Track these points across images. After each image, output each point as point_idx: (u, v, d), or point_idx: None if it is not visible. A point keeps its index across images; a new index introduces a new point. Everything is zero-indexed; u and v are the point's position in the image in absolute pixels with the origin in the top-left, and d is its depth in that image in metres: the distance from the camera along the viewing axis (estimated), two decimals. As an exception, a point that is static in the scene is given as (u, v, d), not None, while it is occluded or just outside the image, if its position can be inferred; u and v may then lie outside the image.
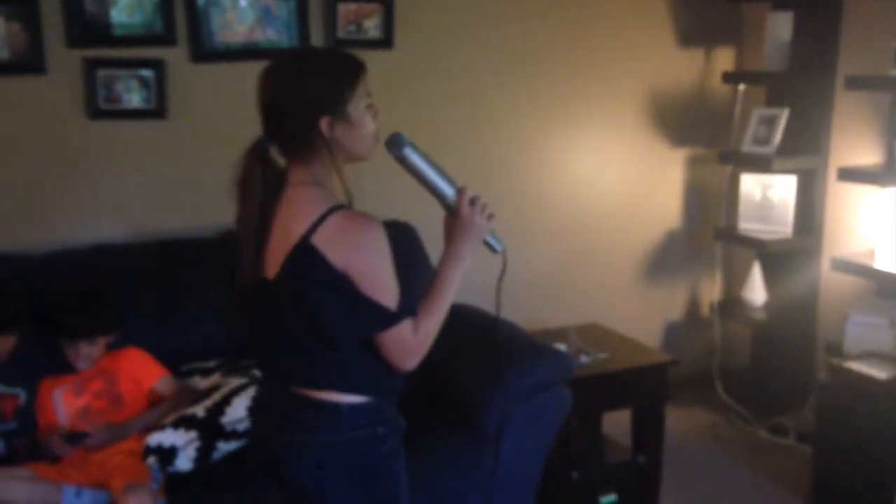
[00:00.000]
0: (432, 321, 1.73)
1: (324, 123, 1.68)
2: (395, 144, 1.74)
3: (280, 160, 1.75)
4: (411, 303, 1.72)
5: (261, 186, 1.71)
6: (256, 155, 1.72)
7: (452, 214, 1.80)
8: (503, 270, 1.85)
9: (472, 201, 1.78)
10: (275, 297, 1.71)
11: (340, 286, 1.65)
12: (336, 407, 1.72)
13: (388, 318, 1.67)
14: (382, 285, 1.67)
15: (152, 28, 3.06)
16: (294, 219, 1.67)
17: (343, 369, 1.73)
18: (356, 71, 1.72)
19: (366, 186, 2.78)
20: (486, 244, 1.84)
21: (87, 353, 2.66)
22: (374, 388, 1.76)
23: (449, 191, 1.78)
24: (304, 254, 1.64)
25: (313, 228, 1.64)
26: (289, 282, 1.67)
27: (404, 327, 1.69)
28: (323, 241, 1.64)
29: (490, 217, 1.80)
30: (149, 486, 2.34)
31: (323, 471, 1.74)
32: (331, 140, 1.69)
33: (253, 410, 1.93)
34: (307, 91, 1.68)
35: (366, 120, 1.73)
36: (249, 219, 1.72)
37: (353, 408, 1.73)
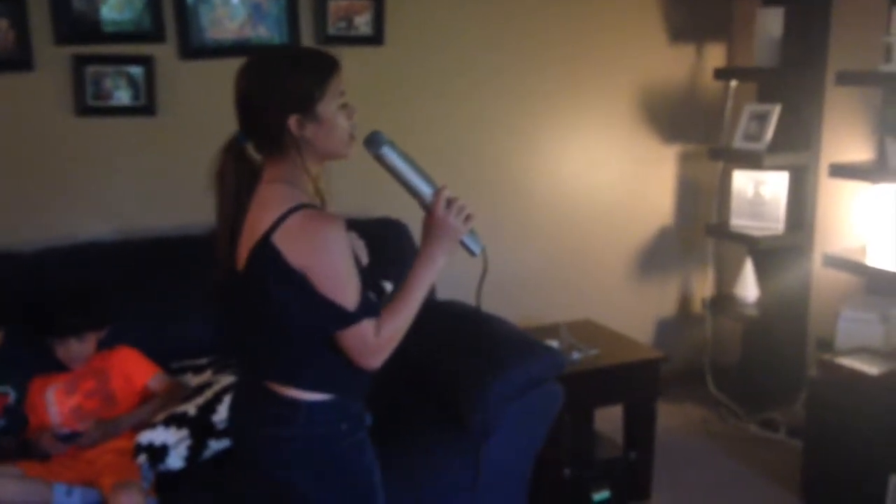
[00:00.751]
0: (396, 322, 1.73)
1: (292, 122, 1.68)
2: (372, 143, 1.73)
3: (256, 156, 1.77)
4: (369, 303, 1.71)
5: (234, 182, 1.74)
6: (231, 151, 1.75)
7: (429, 215, 1.79)
8: (483, 272, 1.83)
9: (449, 202, 1.76)
10: (242, 290, 1.73)
11: (298, 285, 1.66)
12: (296, 403, 1.74)
13: (346, 318, 1.67)
14: (340, 285, 1.66)
15: (141, 25, 3.04)
16: (261, 215, 1.69)
17: (305, 366, 1.75)
18: (327, 70, 1.72)
19: (355, 183, 2.77)
20: (464, 246, 1.81)
21: (78, 350, 2.64)
22: (336, 386, 1.77)
23: (427, 191, 1.77)
24: (264, 251, 1.66)
25: (274, 226, 1.65)
26: (251, 277, 1.69)
27: (364, 327, 1.69)
28: (282, 240, 1.65)
29: (468, 219, 1.77)
30: (139, 484, 2.34)
31: (289, 464, 1.77)
32: (300, 139, 1.70)
33: (231, 401, 1.95)
34: (276, 90, 1.69)
35: (338, 119, 1.72)
36: (225, 212, 1.75)
37: (312, 405, 1.75)
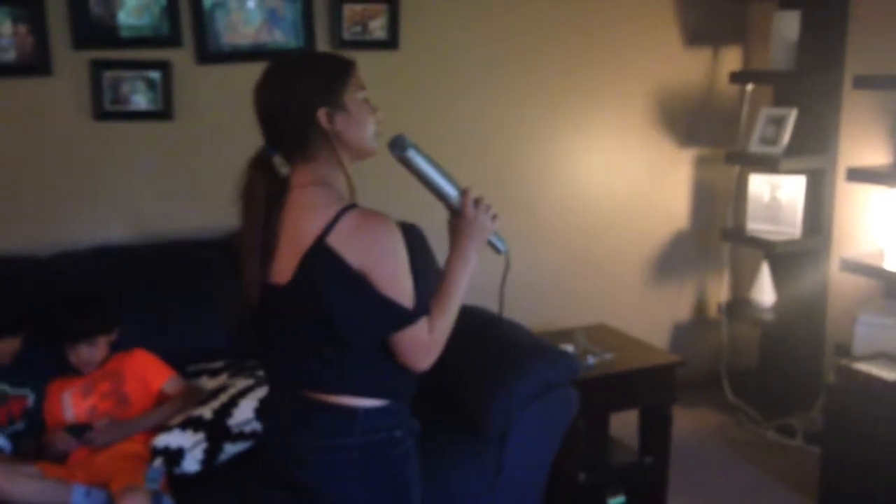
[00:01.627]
0: (445, 320, 1.73)
1: (321, 115, 1.67)
2: (397, 146, 1.73)
3: (283, 169, 1.74)
4: (425, 302, 1.71)
5: (263, 196, 1.70)
6: (259, 165, 1.72)
7: (456, 216, 1.79)
8: (506, 270, 1.85)
9: (477, 202, 1.78)
10: (286, 302, 1.69)
11: (357, 286, 1.64)
12: (353, 411, 1.71)
13: (406, 317, 1.67)
14: (399, 284, 1.66)
15: (159, 30, 3.07)
16: (305, 220, 1.66)
17: (359, 373, 1.72)
18: (345, 67, 1.73)
19: (369, 188, 2.77)
20: (491, 245, 1.84)
21: (89, 354, 2.66)
22: (390, 391, 1.75)
23: (452, 192, 1.78)
24: (320, 255, 1.63)
25: (328, 228, 1.63)
26: (304, 284, 1.65)
27: (420, 326, 1.69)
28: (339, 241, 1.63)
29: (494, 217, 1.80)
30: (144, 489, 2.33)
31: (339, 474, 1.74)
32: (331, 133, 1.69)
33: (263, 413, 1.93)
34: (300, 87, 1.68)
35: (364, 112, 1.72)
36: (253, 230, 1.70)
37: (368, 411, 1.72)
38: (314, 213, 1.66)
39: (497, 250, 1.85)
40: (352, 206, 1.67)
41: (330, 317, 1.66)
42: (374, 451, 1.74)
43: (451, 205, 1.79)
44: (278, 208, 1.70)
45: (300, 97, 1.67)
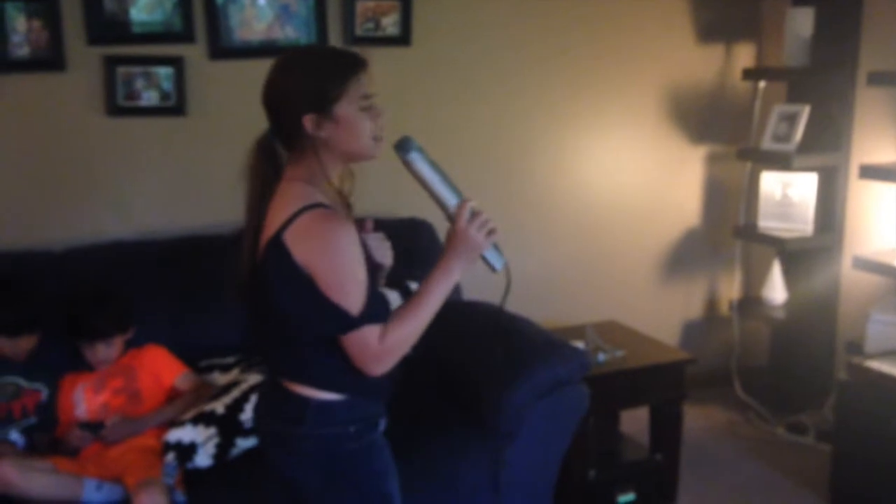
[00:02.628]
0: (404, 331, 1.70)
1: (307, 121, 1.68)
2: (402, 148, 1.73)
3: (285, 155, 1.78)
4: (376, 308, 1.69)
5: (260, 178, 1.75)
6: (261, 147, 1.76)
7: (451, 226, 1.77)
8: (507, 288, 1.81)
9: (473, 215, 1.73)
10: (258, 287, 1.74)
11: (302, 284, 1.65)
12: (306, 401, 1.74)
13: (347, 322, 1.66)
14: (343, 288, 1.65)
15: (171, 26, 3.07)
16: (277, 213, 1.69)
17: (313, 365, 1.74)
18: (349, 69, 1.71)
19: (387, 184, 2.78)
20: (484, 261, 1.77)
21: (105, 353, 2.67)
22: (347, 387, 1.75)
23: (452, 201, 1.74)
24: (275, 248, 1.66)
25: (286, 224, 1.66)
26: (262, 275, 1.70)
27: (367, 333, 1.67)
28: (290, 238, 1.65)
29: (490, 233, 1.74)
30: (161, 482, 2.35)
31: (299, 462, 1.77)
32: (316, 138, 1.70)
33: (256, 400, 1.97)
34: (292, 89, 1.70)
35: (358, 121, 1.71)
36: (251, 210, 1.76)
37: (322, 404, 1.74)
38: (284, 207, 1.68)
39: (492, 268, 1.78)
40: (314, 206, 1.67)
41: (278, 309, 1.70)
42: (325, 443, 1.75)
43: (449, 214, 1.75)
44: (270, 195, 1.74)
45: (291, 98, 1.70)
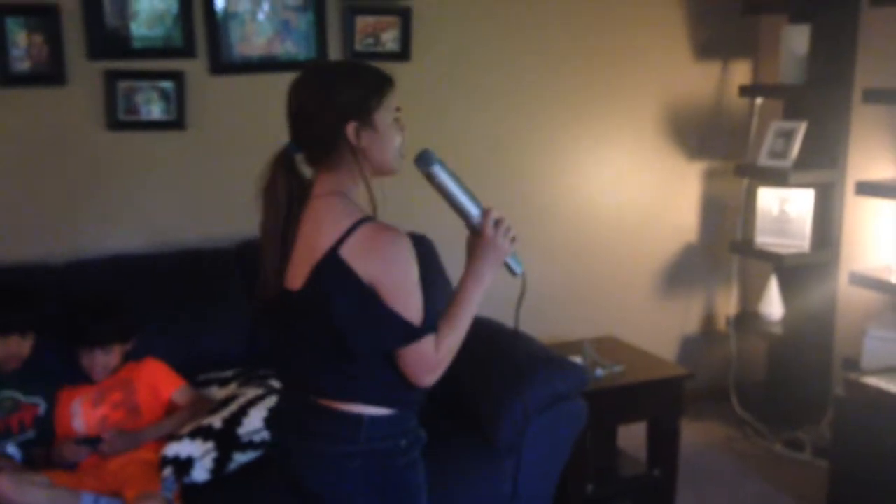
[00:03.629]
0: (453, 339, 1.73)
1: (350, 129, 1.69)
2: (424, 161, 1.74)
3: (306, 170, 1.76)
4: (433, 318, 1.71)
5: (285, 195, 1.72)
6: (282, 162, 1.74)
7: (476, 235, 1.79)
8: (522, 292, 1.85)
9: (497, 223, 1.77)
10: (298, 308, 1.71)
11: (367, 299, 1.65)
12: (358, 418, 1.72)
13: (412, 333, 1.67)
14: (408, 300, 1.67)
15: (172, 41, 3.09)
16: (320, 230, 1.68)
17: (365, 381, 1.73)
18: (385, 84, 1.74)
19: (385, 199, 2.78)
20: (506, 266, 1.83)
21: (104, 362, 2.67)
22: (396, 400, 1.75)
23: (474, 211, 1.78)
24: (332, 265, 1.64)
25: (342, 240, 1.65)
26: (314, 293, 1.67)
27: (426, 343, 1.69)
28: (351, 254, 1.64)
29: (513, 240, 1.79)
30: (160, 495, 2.35)
31: (341, 481, 1.74)
32: (356, 147, 1.70)
33: (274, 418, 1.95)
34: (335, 96, 1.69)
35: (392, 132, 1.74)
36: (273, 228, 1.73)
37: (374, 419, 1.73)
38: (330, 223, 1.67)
39: (512, 272, 1.85)
40: (367, 219, 1.68)
41: (337, 327, 1.67)
42: (379, 459, 1.74)
43: (472, 224, 1.79)
44: (298, 214, 1.72)
45: (334, 107, 1.69)
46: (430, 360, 1.70)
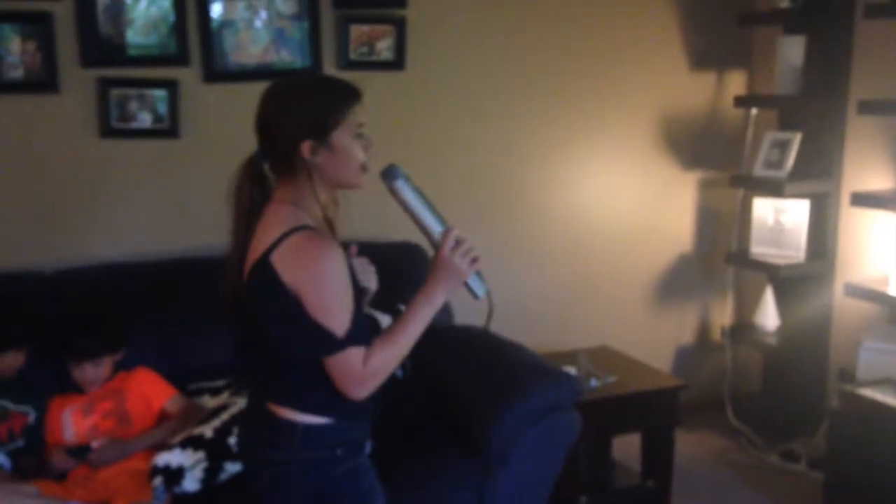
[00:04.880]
0: (386, 355, 1.71)
1: (305, 148, 1.70)
2: (388, 176, 1.75)
3: (271, 176, 1.79)
4: (361, 331, 1.70)
5: (248, 201, 1.77)
6: (249, 169, 1.78)
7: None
8: (489, 314, 1.83)
9: (457, 243, 1.74)
10: (244, 309, 1.75)
11: (289, 305, 1.66)
12: (293, 426, 1.74)
13: (332, 344, 1.67)
14: (330, 309, 1.66)
15: (166, 49, 3.09)
16: (264, 234, 1.71)
17: (301, 388, 1.74)
18: (348, 99, 1.74)
19: (377, 208, 2.78)
20: (467, 288, 1.79)
21: (93, 373, 2.65)
22: (333, 410, 1.75)
23: (437, 229, 1.76)
24: (262, 269, 1.67)
25: (274, 245, 1.67)
26: (249, 297, 1.71)
27: (351, 355, 1.68)
28: (278, 259, 1.66)
29: (474, 261, 1.75)
30: (149, 503, 2.33)
31: (280, 488, 1.76)
32: (311, 164, 1.72)
33: (239, 424, 1.97)
34: (292, 114, 1.71)
35: (352, 150, 1.74)
36: (237, 231, 1.78)
37: (309, 428, 1.74)
38: (273, 228, 1.70)
39: (474, 295, 1.80)
40: (302, 228, 1.69)
41: (265, 331, 1.70)
42: (313, 467, 1.75)
43: (433, 241, 1.77)
44: (257, 217, 1.76)
45: (291, 124, 1.71)
46: (356, 372, 1.69)
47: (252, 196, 1.77)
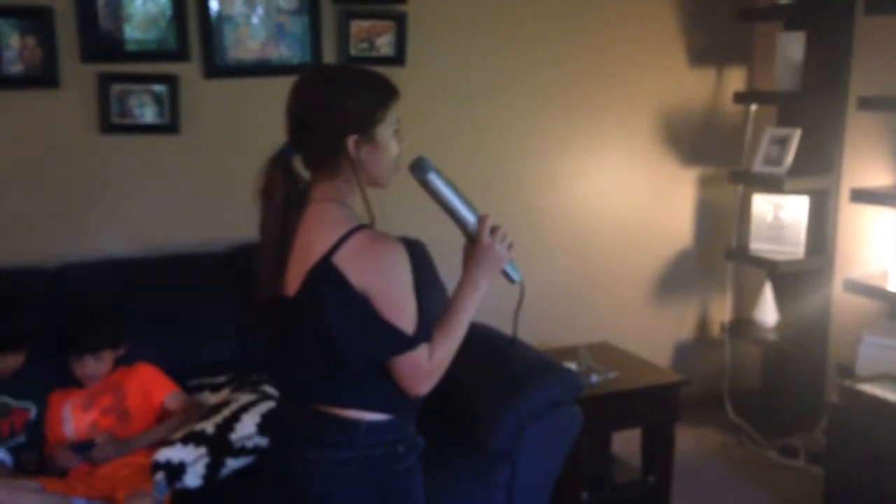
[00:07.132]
0: (447, 348, 1.72)
1: (350, 142, 1.67)
2: (419, 168, 1.72)
3: (304, 172, 1.74)
4: (427, 327, 1.70)
5: (283, 197, 1.70)
6: (279, 164, 1.71)
7: (472, 242, 1.78)
8: (521, 299, 1.84)
9: (493, 230, 1.76)
10: (293, 314, 1.70)
11: (359, 307, 1.63)
12: (355, 424, 1.71)
13: (405, 343, 1.66)
14: (401, 308, 1.65)
15: (166, 44, 3.08)
16: (316, 236, 1.66)
17: (362, 388, 1.72)
18: (390, 95, 1.72)
19: (377, 204, 2.78)
20: (504, 273, 1.81)
21: (94, 368, 2.65)
22: (393, 407, 1.74)
23: (471, 218, 1.76)
24: (325, 273, 1.63)
25: (335, 247, 1.63)
26: (308, 300, 1.66)
27: (419, 352, 1.67)
28: (344, 261, 1.62)
29: (510, 247, 1.78)
30: (150, 494, 2.33)
31: (340, 487, 1.73)
32: (355, 160, 1.68)
33: (270, 425, 1.93)
34: (339, 108, 1.67)
35: (391, 145, 1.72)
36: (272, 231, 1.71)
37: (371, 425, 1.72)
38: (325, 229, 1.66)
39: (510, 279, 1.83)
40: (362, 227, 1.66)
41: (329, 335, 1.66)
42: (376, 465, 1.73)
43: (468, 231, 1.78)
44: (296, 218, 1.70)
45: (336, 118, 1.67)
46: (424, 368, 1.69)
47: (287, 192, 1.70)
